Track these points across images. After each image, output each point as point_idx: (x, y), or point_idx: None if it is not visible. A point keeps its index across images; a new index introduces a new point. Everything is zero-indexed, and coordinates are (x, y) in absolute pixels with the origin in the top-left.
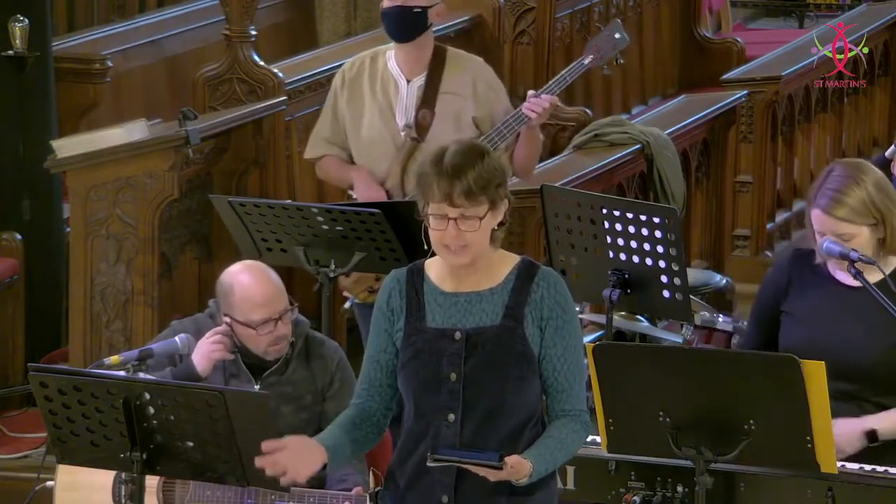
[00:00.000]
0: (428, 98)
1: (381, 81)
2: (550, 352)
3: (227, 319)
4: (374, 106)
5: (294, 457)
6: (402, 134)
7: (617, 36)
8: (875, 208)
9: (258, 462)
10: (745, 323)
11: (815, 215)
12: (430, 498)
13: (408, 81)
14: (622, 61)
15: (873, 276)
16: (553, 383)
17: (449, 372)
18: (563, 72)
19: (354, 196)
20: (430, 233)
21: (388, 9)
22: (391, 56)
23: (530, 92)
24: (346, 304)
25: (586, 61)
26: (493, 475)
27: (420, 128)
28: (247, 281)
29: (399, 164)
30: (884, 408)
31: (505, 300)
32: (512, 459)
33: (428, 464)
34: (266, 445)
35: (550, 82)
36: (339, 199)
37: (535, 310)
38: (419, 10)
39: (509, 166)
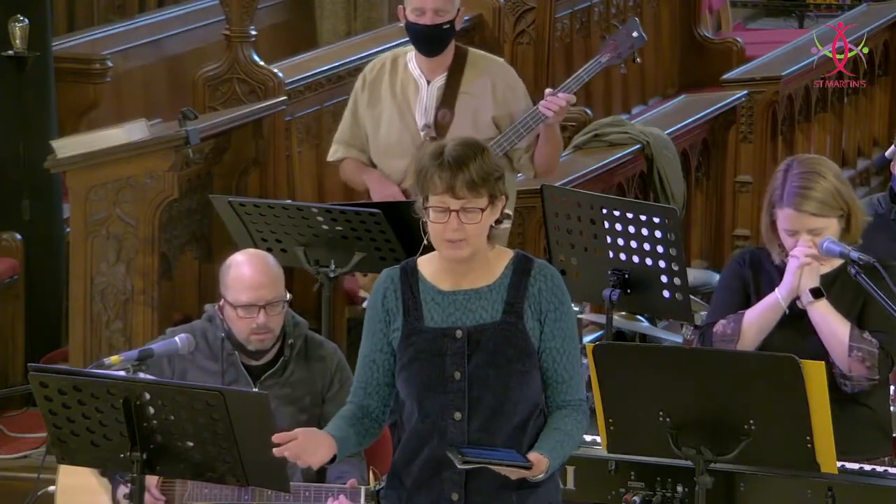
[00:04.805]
0: (447, 98)
1: (401, 82)
2: (550, 344)
3: (221, 302)
4: (393, 106)
5: (304, 445)
6: (422, 134)
7: (635, 34)
8: (842, 199)
9: (276, 452)
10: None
11: (786, 214)
12: (439, 496)
13: (428, 82)
14: (639, 60)
15: (830, 265)
16: (553, 375)
17: (453, 371)
18: (580, 70)
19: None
20: (430, 227)
21: (415, 24)
22: (412, 58)
23: (547, 90)
24: (364, 304)
25: (604, 59)
26: (518, 474)
27: (440, 127)
28: (243, 264)
29: None
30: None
31: (503, 296)
32: (533, 457)
33: (459, 466)
34: (277, 437)
35: (568, 80)
36: (339, 199)
37: (534, 304)
38: (448, 25)
39: (530, 166)
